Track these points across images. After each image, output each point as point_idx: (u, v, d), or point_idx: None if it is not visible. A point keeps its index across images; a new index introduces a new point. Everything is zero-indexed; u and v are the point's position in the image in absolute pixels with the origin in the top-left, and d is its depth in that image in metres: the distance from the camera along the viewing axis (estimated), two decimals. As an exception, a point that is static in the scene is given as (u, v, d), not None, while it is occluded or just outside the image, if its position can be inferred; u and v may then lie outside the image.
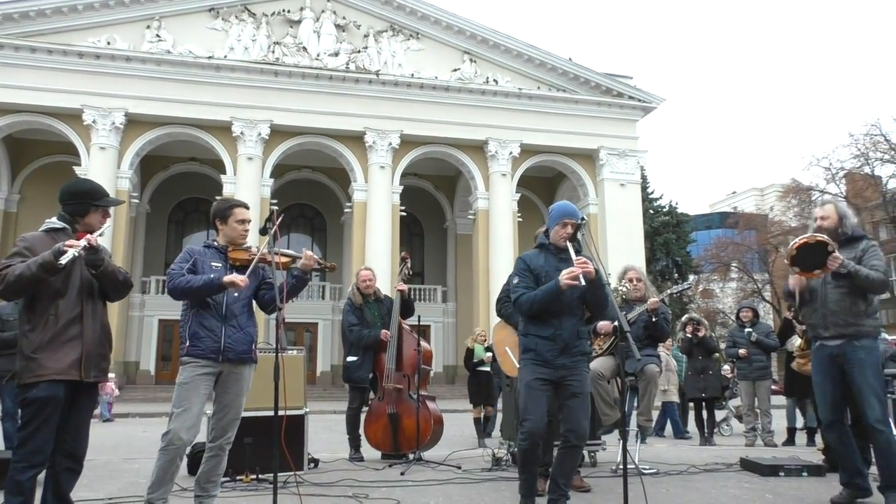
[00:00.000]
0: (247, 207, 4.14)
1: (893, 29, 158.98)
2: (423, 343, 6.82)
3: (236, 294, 3.87)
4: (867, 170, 33.59)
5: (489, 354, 10.51)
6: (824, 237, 4.34)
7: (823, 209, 4.60)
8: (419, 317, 7.04)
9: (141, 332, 27.84)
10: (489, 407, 10.35)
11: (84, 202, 3.54)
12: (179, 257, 3.97)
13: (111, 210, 3.72)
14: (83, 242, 3.26)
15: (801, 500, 4.53)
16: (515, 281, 4.10)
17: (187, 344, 3.81)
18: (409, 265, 7.01)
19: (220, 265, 3.95)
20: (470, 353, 10.76)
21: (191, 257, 3.94)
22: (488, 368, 10.44)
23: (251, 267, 3.91)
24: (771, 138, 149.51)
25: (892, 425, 5.26)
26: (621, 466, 3.77)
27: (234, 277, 3.75)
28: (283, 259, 4.05)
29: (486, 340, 10.97)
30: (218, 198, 24.34)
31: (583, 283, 3.74)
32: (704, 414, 10.03)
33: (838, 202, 4.68)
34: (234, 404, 3.90)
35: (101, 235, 3.45)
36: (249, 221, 4.09)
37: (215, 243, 4.05)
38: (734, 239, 42.18)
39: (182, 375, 3.79)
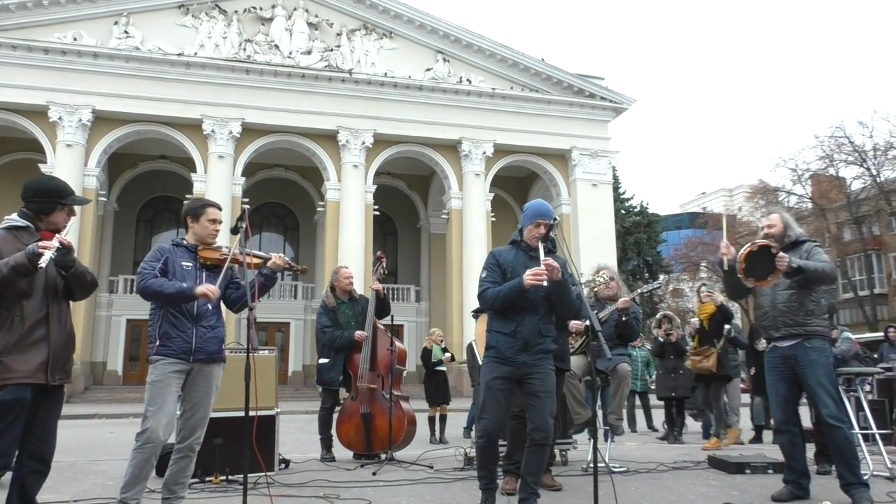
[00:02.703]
0: (219, 208, 4.12)
1: (859, 35, 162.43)
2: (396, 343, 6.83)
3: (209, 306, 3.84)
4: (832, 171, 34.30)
5: (448, 355, 10.69)
6: (765, 241, 4.53)
7: (770, 218, 4.86)
8: (392, 316, 7.04)
9: (108, 332, 27.40)
10: (444, 406, 10.46)
11: (50, 200, 3.46)
12: (150, 255, 3.93)
13: (76, 208, 3.65)
14: (56, 243, 3.19)
15: (767, 497, 4.61)
16: (483, 275, 4.14)
17: (157, 343, 3.77)
18: (384, 264, 7.01)
19: (190, 265, 3.92)
20: (427, 352, 10.86)
21: (161, 255, 3.90)
22: (445, 368, 10.68)
23: (223, 270, 3.89)
24: (739, 140, 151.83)
25: (855, 423, 5.38)
26: (592, 465, 3.80)
27: (207, 289, 3.72)
28: (254, 260, 4.03)
29: (443, 341, 11.18)
30: (189, 196, 24.18)
31: (545, 284, 3.77)
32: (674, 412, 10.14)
33: (782, 211, 4.94)
34: (202, 403, 3.87)
35: (66, 235, 3.39)
36: (221, 222, 4.07)
37: (185, 242, 4.02)
38: (703, 239, 42.74)
39: (153, 374, 3.75)
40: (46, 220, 3.45)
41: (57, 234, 3.30)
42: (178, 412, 3.92)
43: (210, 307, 3.89)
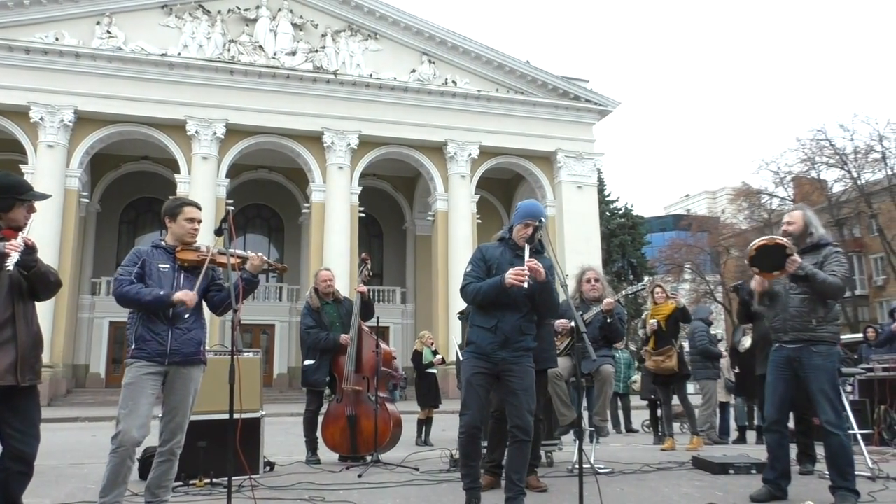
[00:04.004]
0: (198, 207, 4.08)
1: (840, 38, 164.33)
2: (382, 345, 6.81)
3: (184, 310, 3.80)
4: (813, 174, 34.62)
5: (438, 357, 10.71)
6: (783, 240, 4.41)
7: (791, 215, 4.71)
8: (378, 318, 7.02)
9: (91, 335, 27.16)
10: (432, 409, 10.48)
11: (8, 197, 3.40)
12: (127, 260, 3.89)
13: (37, 205, 3.58)
14: (21, 243, 3.15)
15: (749, 497, 4.64)
16: (468, 269, 4.15)
17: (133, 347, 3.75)
18: (368, 266, 6.99)
19: (167, 266, 3.88)
20: (418, 355, 10.89)
21: (138, 259, 3.86)
22: (435, 371, 10.73)
23: (202, 273, 3.84)
24: (722, 142, 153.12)
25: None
26: (577, 466, 3.82)
27: (185, 295, 3.69)
28: (234, 260, 3.98)
29: (433, 343, 11.21)
30: (172, 197, 24.05)
31: (525, 286, 3.78)
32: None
33: (807, 210, 4.74)
34: (181, 406, 3.83)
35: (28, 232, 3.34)
36: (200, 221, 4.03)
37: (163, 243, 3.98)
38: (687, 241, 43.01)
39: (127, 376, 3.72)
40: (6, 218, 3.39)
41: (20, 234, 3.26)
42: (159, 415, 3.88)
43: (187, 308, 3.85)
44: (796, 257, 4.35)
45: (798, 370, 4.48)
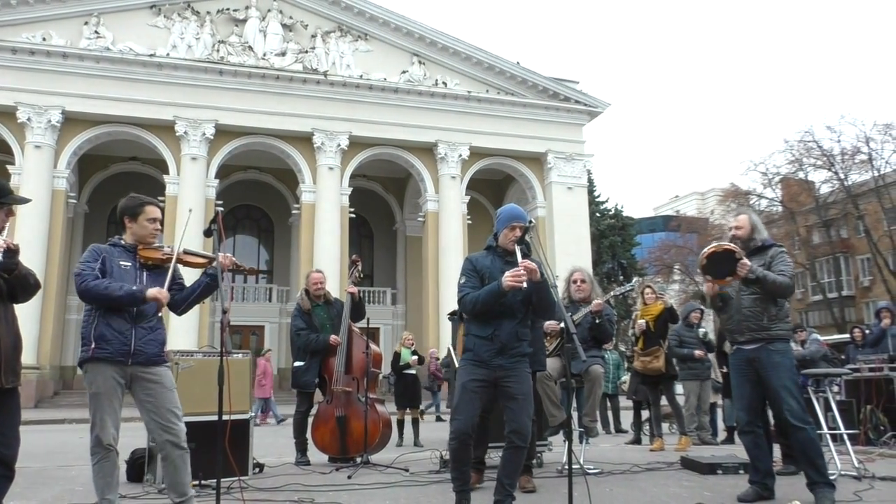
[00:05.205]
0: (158, 206, 4.00)
1: (828, 41, 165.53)
2: (372, 346, 6.82)
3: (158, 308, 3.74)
4: (801, 175, 34.90)
5: (415, 357, 10.75)
6: (731, 245, 4.58)
7: (738, 220, 4.88)
8: (368, 319, 7.02)
9: (78, 336, 26.90)
10: (416, 409, 10.47)
11: None
12: (86, 255, 3.77)
13: (24, 206, 3.57)
14: (3, 244, 3.13)
15: (737, 498, 4.66)
16: (462, 281, 4.14)
17: (93, 346, 3.62)
18: (359, 268, 7.00)
19: (129, 264, 3.78)
20: (397, 356, 10.93)
21: (98, 255, 3.75)
22: (414, 371, 10.74)
23: (170, 272, 3.78)
24: (711, 144, 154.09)
25: (824, 423, 5.46)
26: (566, 466, 3.83)
27: (158, 293, 3.60)
28: (200, 260, 3.94)
29: (413, 344, 11.23)
30: (162, 198, 23.89)
31: (525, 285, 3.78)
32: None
33: (752, 213, 4.95)
34: (160, 399, 3.71)
35: (5, 235, 3.32)
36: (161, 221, 3.97)
37: (122, 242, 3.87)
38: (677, 242, 43.22)
39: (93, 385, 3.62)
40: None
41: (0, 236, 3.24)
42: (143, 417, 3.82)
43: (151, 306, 3.75)
44: (746, 261, 4.48)
45: (759, 370, 4.58)
